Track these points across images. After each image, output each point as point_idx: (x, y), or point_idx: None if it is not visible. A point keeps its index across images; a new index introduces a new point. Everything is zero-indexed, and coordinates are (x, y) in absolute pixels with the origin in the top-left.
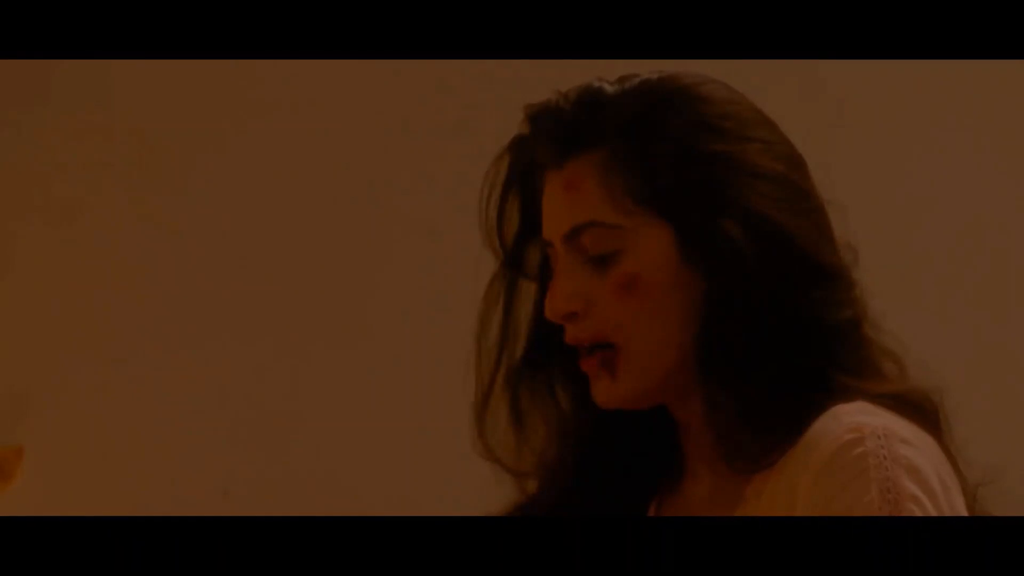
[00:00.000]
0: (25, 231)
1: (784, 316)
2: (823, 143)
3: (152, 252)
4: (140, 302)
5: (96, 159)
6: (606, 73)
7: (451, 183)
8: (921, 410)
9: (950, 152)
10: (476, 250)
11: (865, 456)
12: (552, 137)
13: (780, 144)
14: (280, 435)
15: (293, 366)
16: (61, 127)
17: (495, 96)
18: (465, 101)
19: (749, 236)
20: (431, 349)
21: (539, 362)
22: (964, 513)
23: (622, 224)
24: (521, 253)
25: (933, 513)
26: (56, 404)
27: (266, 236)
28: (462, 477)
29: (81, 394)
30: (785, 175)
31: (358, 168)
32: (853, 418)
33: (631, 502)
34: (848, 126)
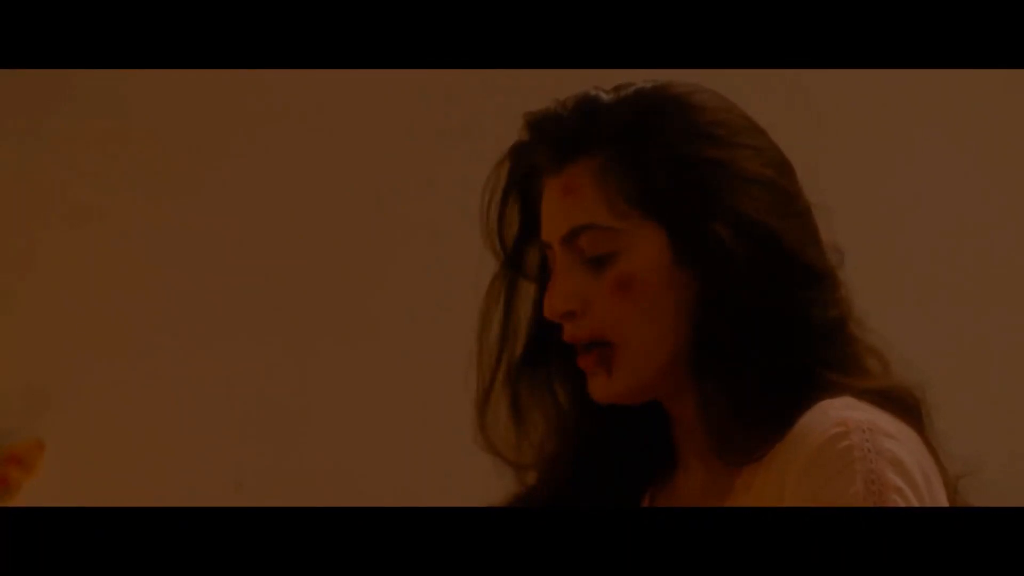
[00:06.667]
0: (45, 233)
1: (773, 315)
2: (810, 149)
3: (166, 253)
4: (155, 301)
5: (113, 164)
6: (603, 82)
7: (454, 187)
8: (904, 405)
9: (931, 156)
10: (478, 252)
11: (851, 449)
12: (551, 143)
13: (769, 150)
14: (290, 430)
15: (303, 364)
16: (79, 134)
17: (496, 104)
18: (467, 109)
19: (739, 238)
20: (435, 347)
21: (538, 359)
22: (945, 504)
23: (618, 227)
24: (521, 254)
25: (916, 504)
26: (75, 399)
27: (276, 238)
28: (464, 470)
29: (99, 390)
30: (774, 180)
31: (364, 173)
32: (839, 413)
33: (626, 494)
34: (834, 133)
